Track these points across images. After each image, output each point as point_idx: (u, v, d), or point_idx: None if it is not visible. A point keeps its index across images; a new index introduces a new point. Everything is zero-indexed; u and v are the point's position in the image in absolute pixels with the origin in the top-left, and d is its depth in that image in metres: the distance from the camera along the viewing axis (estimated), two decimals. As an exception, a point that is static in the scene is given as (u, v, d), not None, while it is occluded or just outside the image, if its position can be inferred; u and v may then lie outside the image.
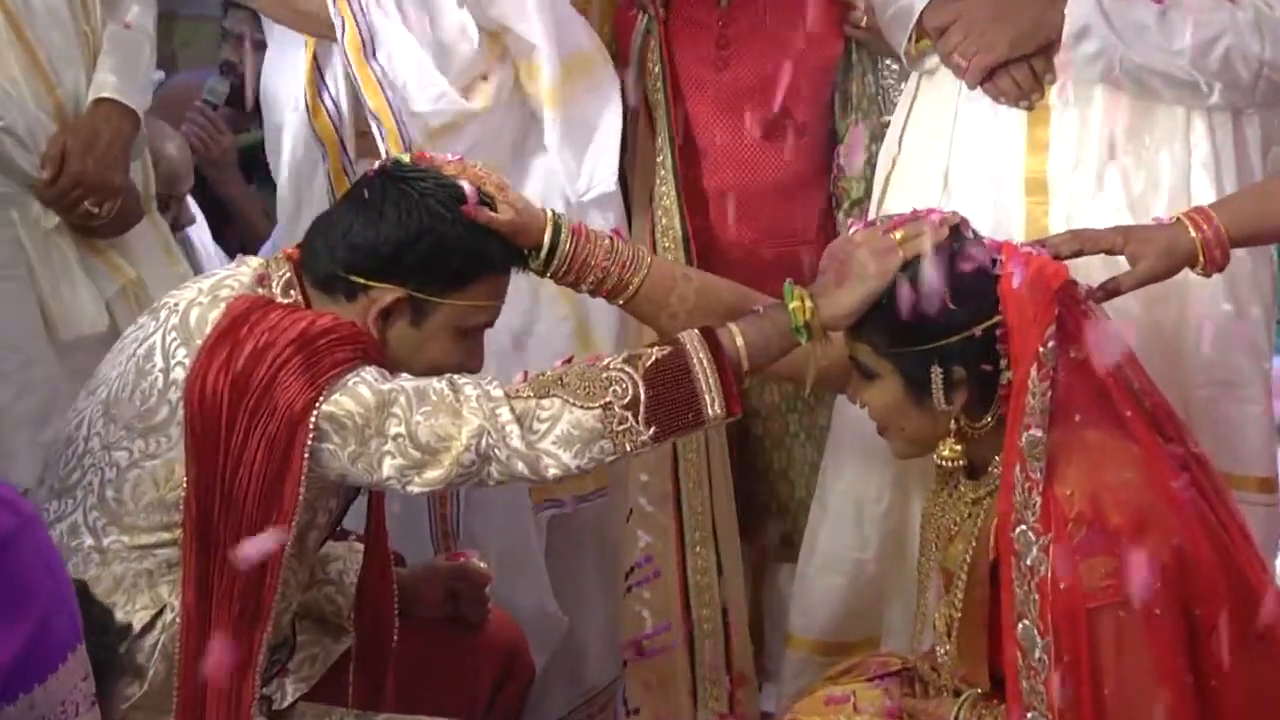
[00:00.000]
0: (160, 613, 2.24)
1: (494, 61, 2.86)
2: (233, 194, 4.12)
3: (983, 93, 2.62)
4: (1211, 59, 2.51)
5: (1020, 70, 2.57)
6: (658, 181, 3.00)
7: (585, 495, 3.02)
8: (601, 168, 2.90)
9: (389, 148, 2.70)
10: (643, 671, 3.02)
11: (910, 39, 2.70)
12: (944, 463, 2.31)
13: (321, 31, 2.83)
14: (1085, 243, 2.33)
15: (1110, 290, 2.33)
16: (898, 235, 2.25)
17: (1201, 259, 2.33)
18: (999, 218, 2.56)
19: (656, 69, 3.00)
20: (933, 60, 2.67)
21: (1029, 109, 2.60)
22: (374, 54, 2.74)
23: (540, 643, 2.90)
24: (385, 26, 2.76)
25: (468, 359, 2.30)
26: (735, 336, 2.22)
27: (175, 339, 2.21)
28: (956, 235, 2.26)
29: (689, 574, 3.00)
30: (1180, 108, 2.57)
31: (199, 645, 2.19)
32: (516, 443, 2.14)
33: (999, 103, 2.60)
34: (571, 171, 2.88)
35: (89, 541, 2.24)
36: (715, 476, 3.00)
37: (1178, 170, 2.58)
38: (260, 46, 3.94)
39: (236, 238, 3.97)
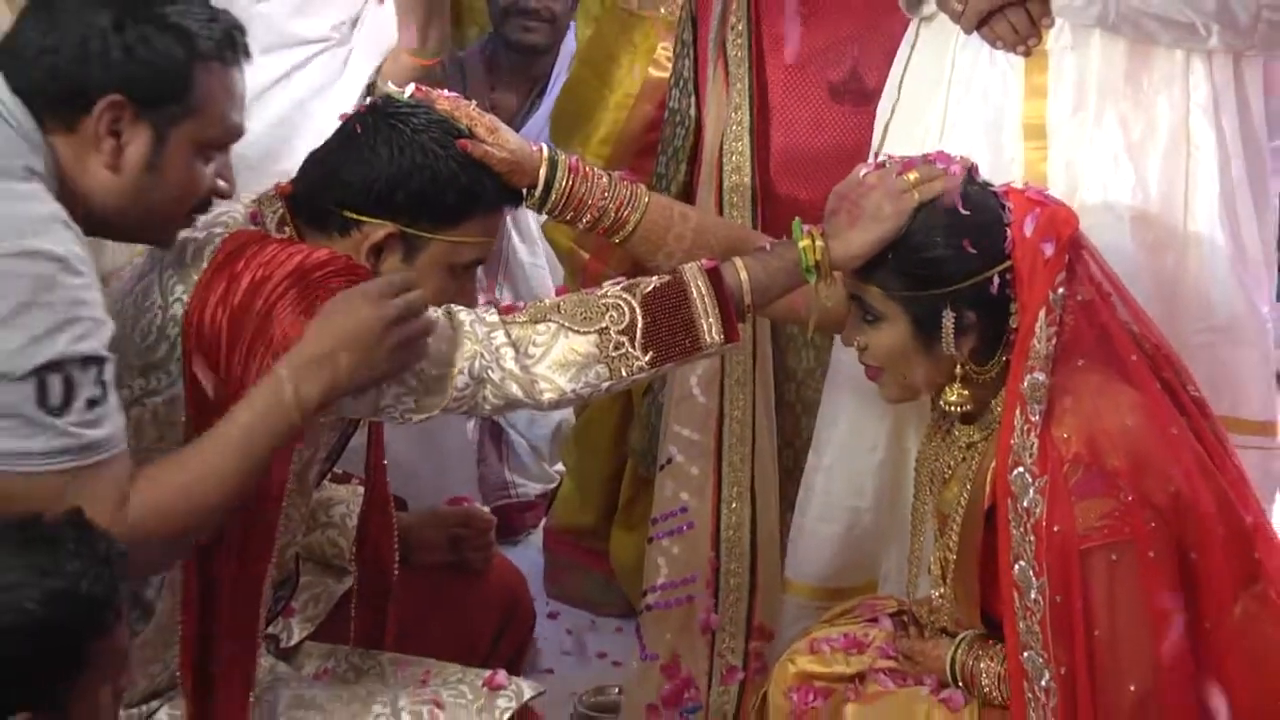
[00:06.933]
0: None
1: None
2: None
3: (979, 39, 2.57)
4: (1208, 0, 2.45)
5: (1017, 15, 2.53)
6: (729, 138, 2.96)
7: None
8: None
9: None
10: (660, 620, 3.00)
11: (908, -18, 2.67)
12: (950, 408, 2.30)
13: None
14: None
15: None
16: (911, 177, 2.25)
17: None
18: (996, 164, 2.52)
19: (741, 25, 2.95)
20: (930, 6, 2.64)
21: (1026, 54, 2.56)
22: None
23: None
24: None
25: (460, 296, 2.29)
26: (740, 271, 2.23)
27: (172, 275, 2.21)
28: (969, 179, 2.27)
29: (721, 528, 2.97)
30: (1179, 51, 2.52)
31: (204, 578, 2.19)
32: (511, 364, 2.15)
33: (996, 48, 2.57)
34: None
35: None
36: (759, 433, 2.96)
37: (1176, 114, 2.54)
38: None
39: None
